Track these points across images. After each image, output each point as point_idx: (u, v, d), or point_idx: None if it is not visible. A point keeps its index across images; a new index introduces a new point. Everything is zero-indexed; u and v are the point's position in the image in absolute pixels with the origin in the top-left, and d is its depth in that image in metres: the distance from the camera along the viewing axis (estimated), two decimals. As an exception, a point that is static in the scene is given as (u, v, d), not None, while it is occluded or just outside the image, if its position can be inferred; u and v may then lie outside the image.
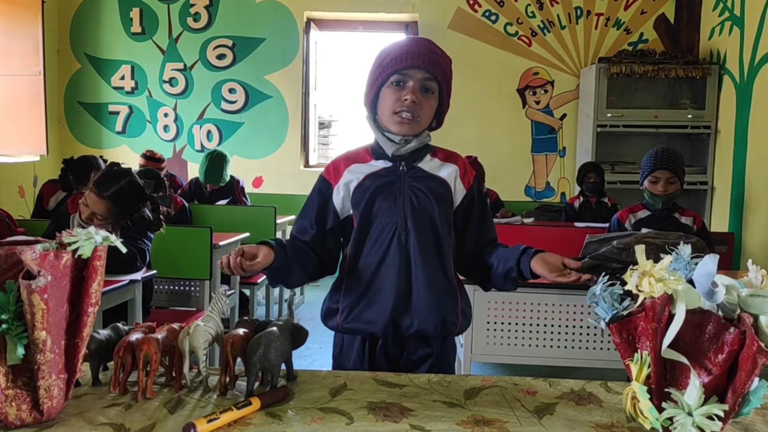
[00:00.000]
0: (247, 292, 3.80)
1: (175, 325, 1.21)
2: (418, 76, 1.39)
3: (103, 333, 1.19)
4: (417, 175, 1.44)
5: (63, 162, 3.61)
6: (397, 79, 1.40)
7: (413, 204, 1.41)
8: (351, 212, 1.45)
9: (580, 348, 2.44)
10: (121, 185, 2.36)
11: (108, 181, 2.35)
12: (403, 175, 1.43)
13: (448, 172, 1.46)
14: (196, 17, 5.76)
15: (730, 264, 3.48)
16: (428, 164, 1.46)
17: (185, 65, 5.81)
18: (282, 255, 1.35)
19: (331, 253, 1.50)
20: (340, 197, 1.45)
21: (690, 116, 5.09)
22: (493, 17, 5.65)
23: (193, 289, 3.21)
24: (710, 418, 0.90)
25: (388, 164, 1.44)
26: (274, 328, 1.15)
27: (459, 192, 1.47)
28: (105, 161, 3.69)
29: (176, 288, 3.25)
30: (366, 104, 1.49)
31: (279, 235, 4.29)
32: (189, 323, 1.19)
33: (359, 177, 1.44)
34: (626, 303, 1.00)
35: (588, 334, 2.43)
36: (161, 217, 2.51)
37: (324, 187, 1.48)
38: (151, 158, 4.37)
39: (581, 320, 2.42)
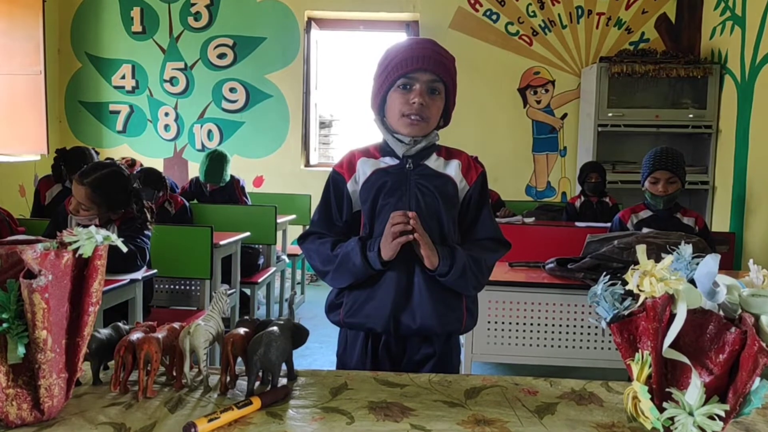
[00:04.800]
0: (247, 291, 3.80)
1: (176, 325, 1.21)
2: (424, 78, 1.41)
3: (104, 332, 1.19)
4: (424, 173, 1.45)
5: (56, 152, 3.59)
6: (403, 83, 1.42)
7: (419, 201, 1.42)
8: (360, 207, 1.46)
9: (580, 348, 2.44)
10: (102, 173, 2.37)
11: (90, 170, 2.38)
12: (410, 173, 1.44)
13: (452, 168, 1.47)
14: (197, 16, 5.76)
15: (732, 264, 3.48)
16: (434, 162, 1.47)
17: (186, 64, 5.81)
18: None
19: None
20: (354, 190, 1.46)
21: (691, 116, 5.09)
22: (494, 17, 5.65)
23: (193, 288, 3.21)
24: (711, 418, 0.90)
25: (396, 161, 1.46)
26: (275, 328, 1.15)
27: (462, 188, 1.48)
28: (97, 153, 3.69)
29: (177, 287, 3.25)
30: (373, 107, 1.50)
31: (279, 235, 4.28)
32: (189, 322, 1.19)
33: (367, 172, 1.46)
34: (627, 303, 1.00)
35: (589, 334, 2.43)
36: (145, 210, 2.50)
37: (338, 179, 1.48)
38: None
39: (582, 320, 2.42)
